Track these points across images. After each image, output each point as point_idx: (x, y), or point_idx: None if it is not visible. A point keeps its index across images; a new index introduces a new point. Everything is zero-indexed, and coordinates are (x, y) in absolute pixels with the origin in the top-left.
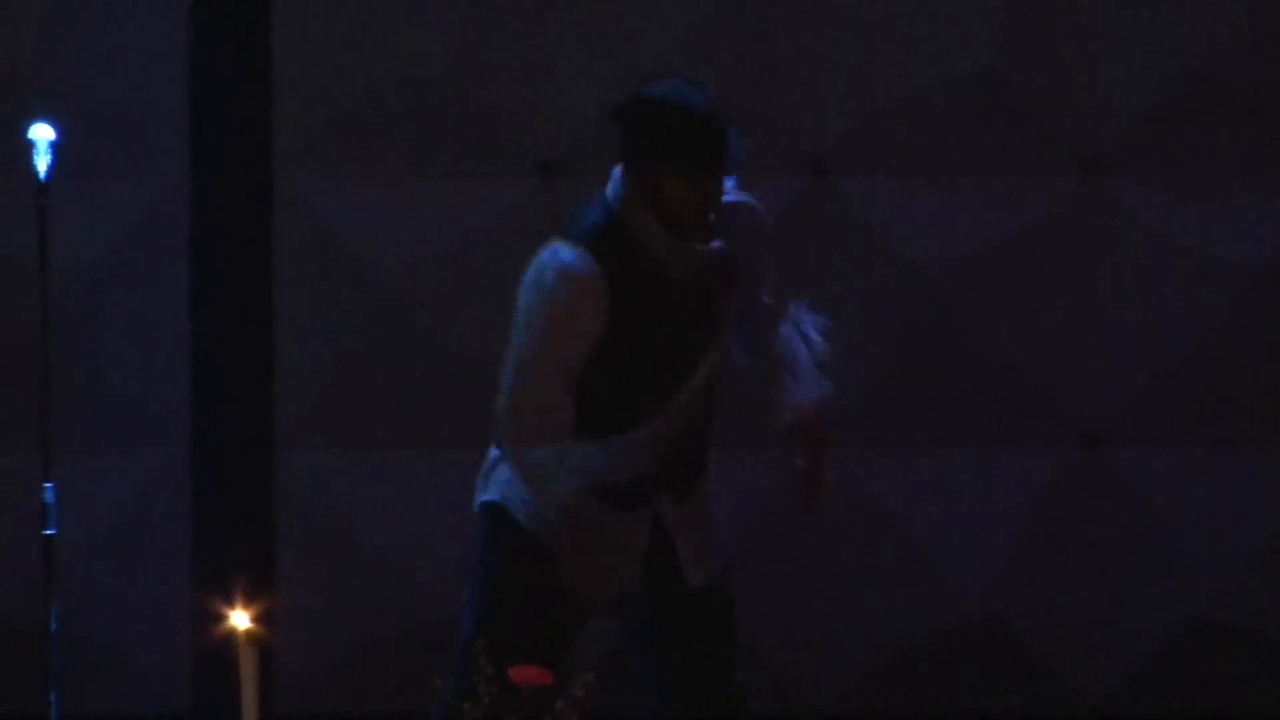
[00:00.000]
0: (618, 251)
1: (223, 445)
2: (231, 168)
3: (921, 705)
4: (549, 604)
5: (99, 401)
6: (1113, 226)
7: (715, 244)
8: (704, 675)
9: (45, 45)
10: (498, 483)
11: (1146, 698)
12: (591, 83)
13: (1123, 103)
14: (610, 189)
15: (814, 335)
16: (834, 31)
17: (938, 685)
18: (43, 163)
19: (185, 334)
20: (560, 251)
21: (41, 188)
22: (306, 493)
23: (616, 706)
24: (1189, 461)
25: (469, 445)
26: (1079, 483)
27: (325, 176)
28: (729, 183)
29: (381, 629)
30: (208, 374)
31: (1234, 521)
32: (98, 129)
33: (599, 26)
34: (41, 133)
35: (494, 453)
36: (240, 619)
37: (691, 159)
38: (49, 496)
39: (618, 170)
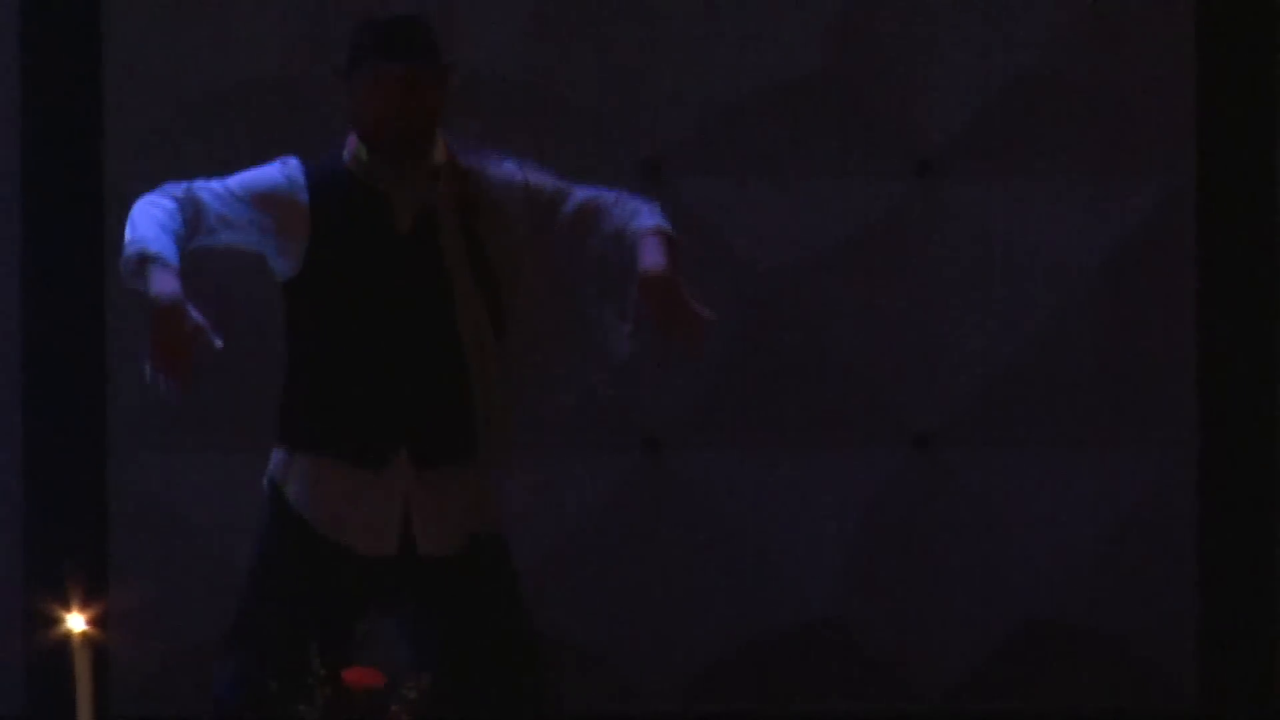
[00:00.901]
0: (335, 178)
1: (55, 447)
2: (62, 174)
3: (764, 706)
4: (310, 568)
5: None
6: (947, 228)
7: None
8: (455, 652)
9: None
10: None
11: (985, 696)
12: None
13: (957, 104)
14: None
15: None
16: (668, 33)
17: (780, 686)
18: None
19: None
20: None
21: None
22: (143, 496)
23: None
24: (1023, 461)
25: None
26: (914, 483)
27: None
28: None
29: (218, 630)
30: (40, 375)
31: (1067, 521)
32: None
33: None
34: None
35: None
36: (75, 621)
37: (373, 49)
38: None
39: None
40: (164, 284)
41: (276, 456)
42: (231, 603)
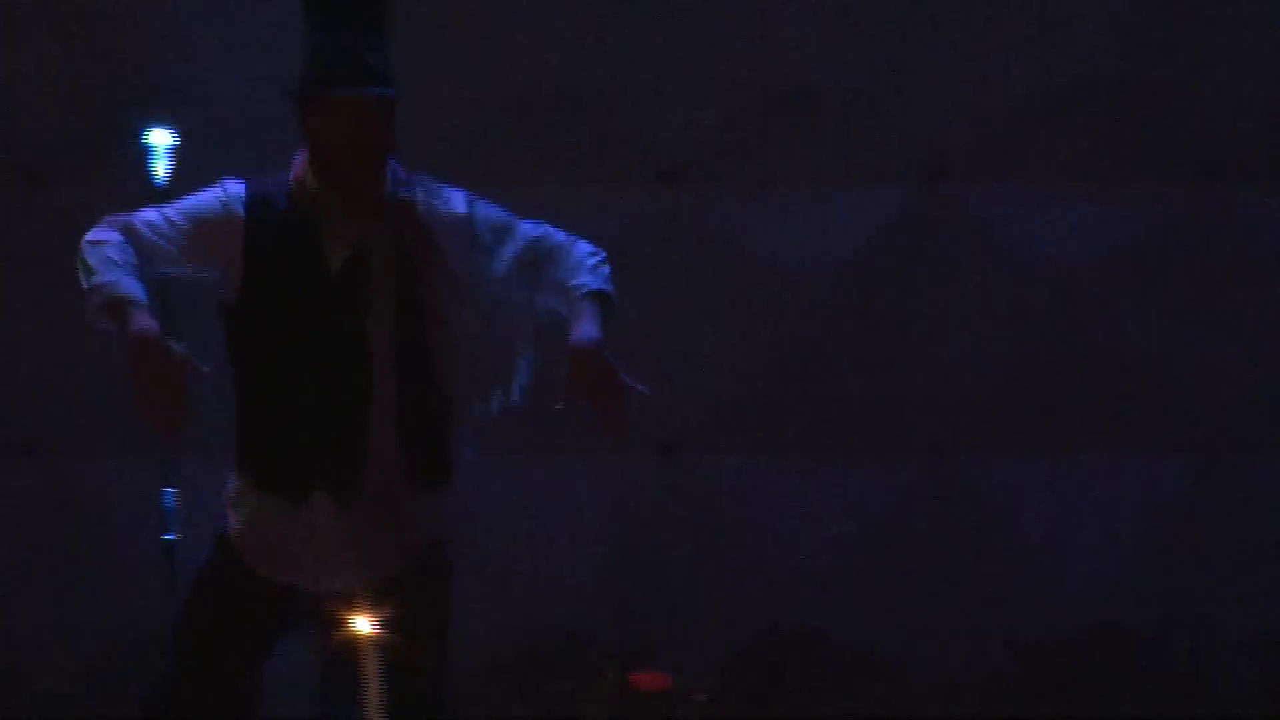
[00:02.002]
0: (274, 205)
1: None
2: None
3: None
4: (232, 586)
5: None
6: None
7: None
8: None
9: (164, 47)
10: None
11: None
12: (717, 89)
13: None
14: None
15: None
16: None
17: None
18: (160, 167)
19: None
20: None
21: (156, 193)
22: None
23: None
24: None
25: (588, 453)
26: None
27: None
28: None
29: (511, 634)
30: None
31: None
32: (215, 131)
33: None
34: (159, 138)
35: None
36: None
37: (326, 76)
38: (168, 502)
39: None
40: (136, 322)
41: (228, 481)
42: (535, 609)
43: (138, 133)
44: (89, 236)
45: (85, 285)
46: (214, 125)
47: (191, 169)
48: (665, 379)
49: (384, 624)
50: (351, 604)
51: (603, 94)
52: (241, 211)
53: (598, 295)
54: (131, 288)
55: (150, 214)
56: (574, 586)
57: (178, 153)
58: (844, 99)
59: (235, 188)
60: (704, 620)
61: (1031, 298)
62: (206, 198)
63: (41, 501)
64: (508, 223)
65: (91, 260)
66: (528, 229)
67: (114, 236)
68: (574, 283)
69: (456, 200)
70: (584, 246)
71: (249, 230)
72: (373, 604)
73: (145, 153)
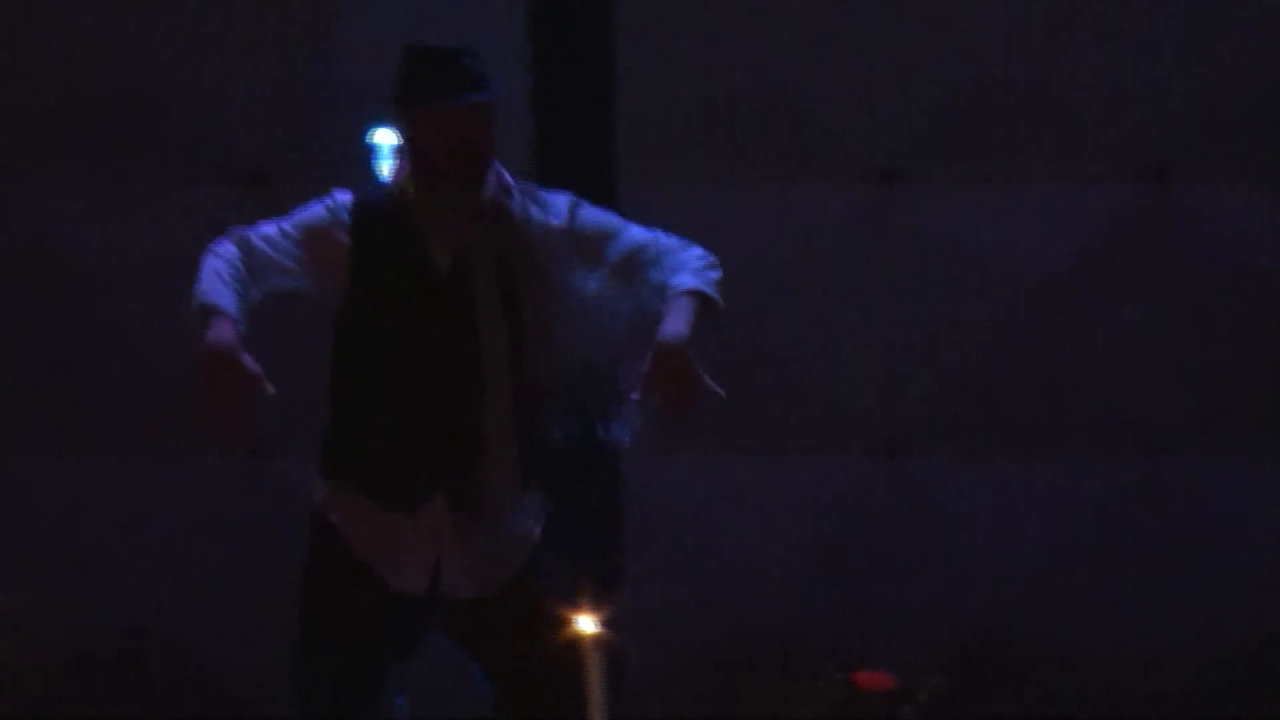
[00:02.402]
0: (379, 213)
1: (568, 453)
2: (573, 172)
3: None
4: (348, 586)
5: None
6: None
7: (486, 199)
8: (500, 689)
9: (384, 50)
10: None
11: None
12: (930, 86)
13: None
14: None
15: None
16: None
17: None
18: (384, 167)
19: None
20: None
21: None
22: (651, 498)
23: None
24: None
25: (804, 451)
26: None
27: (665, 181)
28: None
29: (729, 633)
30: None
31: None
32: None
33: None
34: (383, 138)
35: None
36: (586, 624)
37: (434, 84)
38: None
39: None
40: (216, 331)
41: (319, 487)
42: (757, 608)
43: (362, 132)
44: (211, 247)
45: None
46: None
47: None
48: (887, 381)
49: (510, 626)
50: (475, 608)
51: (815, 94)
52: (347, 219)
53: (695, 293)
54: (221, 297)
55: (267, 227)
56: (794, 586)
57: (401, 152)
58: (1060, 98)
59: (342, 197)
60: (924, 620)
61: (1248, 299)
62: (315, 208)
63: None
64: (612, 229)
65: (202, 270)
66: (635, 235)
67: (229, 250)
68: (673, 280)
69: (558, 206)
70: (695, 251)
71: (355, 237)
72: (494, 607)
73: (369, 152)
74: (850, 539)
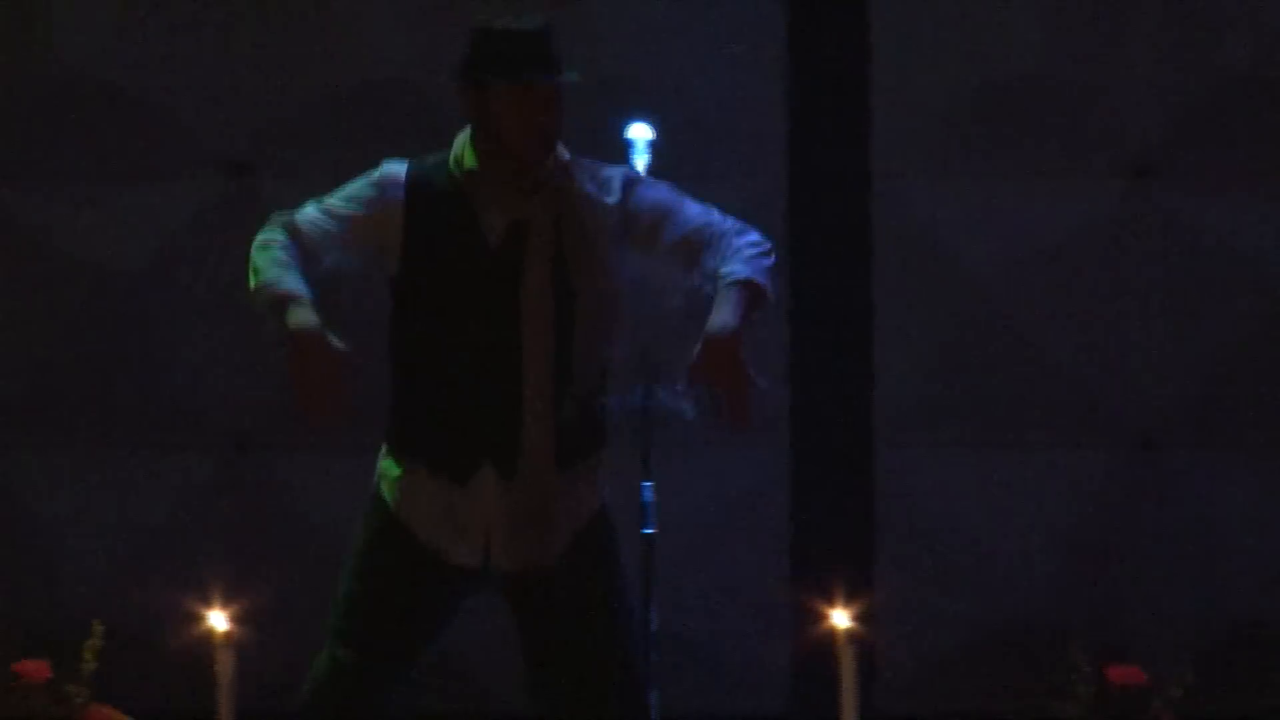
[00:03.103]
0: (435, 184)
1: (822, 443)
2: (829, 166)
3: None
4: (405, 569)
5: (698, 400)
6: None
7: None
8: (539, 667)
9: (642, 45)
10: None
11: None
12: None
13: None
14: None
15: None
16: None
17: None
18: (640, 162)
19: (783, 331)
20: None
21: None
22: (904, 491)
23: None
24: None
25: (1058, 444)
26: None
27: (922, 175)
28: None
29: (981, 628)
30: (807, 372)
31: None
32: (695, 128)
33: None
34: (639, 132)
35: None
36: (839, 618)
37: (510, 62)
38: (647, 495)
39: None
40: (300, 317)
41: (382, 458)
42: (992, 599)
43: (616, 126)
44: (258, 238)
45: (252, 286)
46: (690, 121)
47: (669, 164)
48: (1144, 374)
49: (559, 603)
50: (526, 581)
51: (1070, 87)
52: (401, 194)
53: (746, 283)
54: (294, 284)
55: (310, 210)
56: (1047, 580)
57: (655, 148)
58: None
59: (395, 168)
60: (1178, 615)
61: None
62: (364, 182)
63: None
64: (670, 207)
65: (260, 262)
66: (692, 214)
67: (279, 237)
68: (725, 269)
69: (615, 182)
70: (750, 236)
71: (409, 208)
72: (546, 582)
73: (626, 147)
74: (1104, 532)
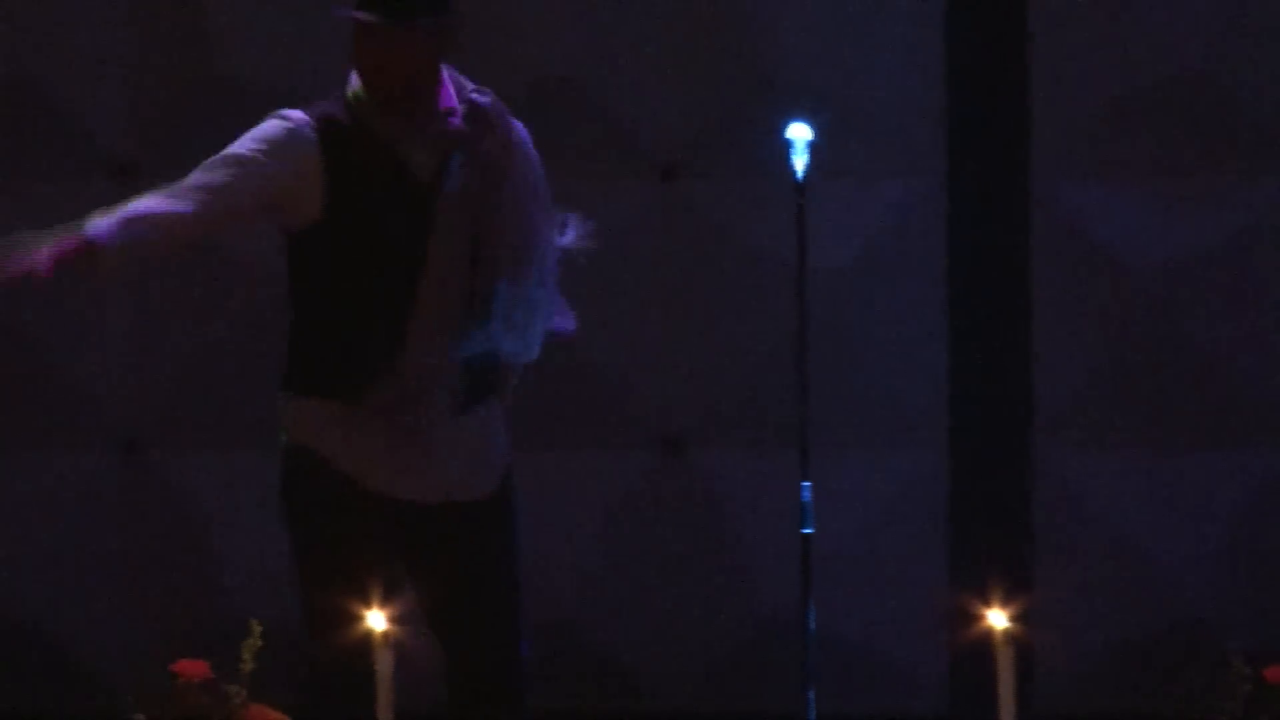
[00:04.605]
0: (342, 126)
1: (979, 443)
2: (988, 166)
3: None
4: (352, 520)
5: (855, 400)
6: None
7: (454, 127)
8: (439, 609)
9: (801, 46)
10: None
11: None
12: None
13: None
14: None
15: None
16: None
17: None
18: (800, 162)
19: (942, 331)
20: (282, 110)
21: (798, 187)
22: (1064, 491)
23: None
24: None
25: (1220, 445)
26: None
27: (1081, 175)
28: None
29: (1139, 628)
30: (964, 372)
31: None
32: (854, 128)
33: None
34: (798, 132)
35: None
36: (997, 618)
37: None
38: (806, 495)
39: None
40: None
41: (292, 410)
42: (1151, 600)
43: (776, 128)
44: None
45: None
46: (849, 123)
47: (827, 166)
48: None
49: (470, 549)
50: (446, 516)
51: (1239, 84)
52: (314, 134)
53: None
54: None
55: (201, 174)
56: (1207, 580)
57: (814, 148)
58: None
59: (296, 113)
60: None
61: None
62: (268, 126)
63: (678, 495)
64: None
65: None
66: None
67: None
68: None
69: (523, 132)
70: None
71: (325, 154)
72: (468, 520)
73: (785, 147)
74: (1263, 533)
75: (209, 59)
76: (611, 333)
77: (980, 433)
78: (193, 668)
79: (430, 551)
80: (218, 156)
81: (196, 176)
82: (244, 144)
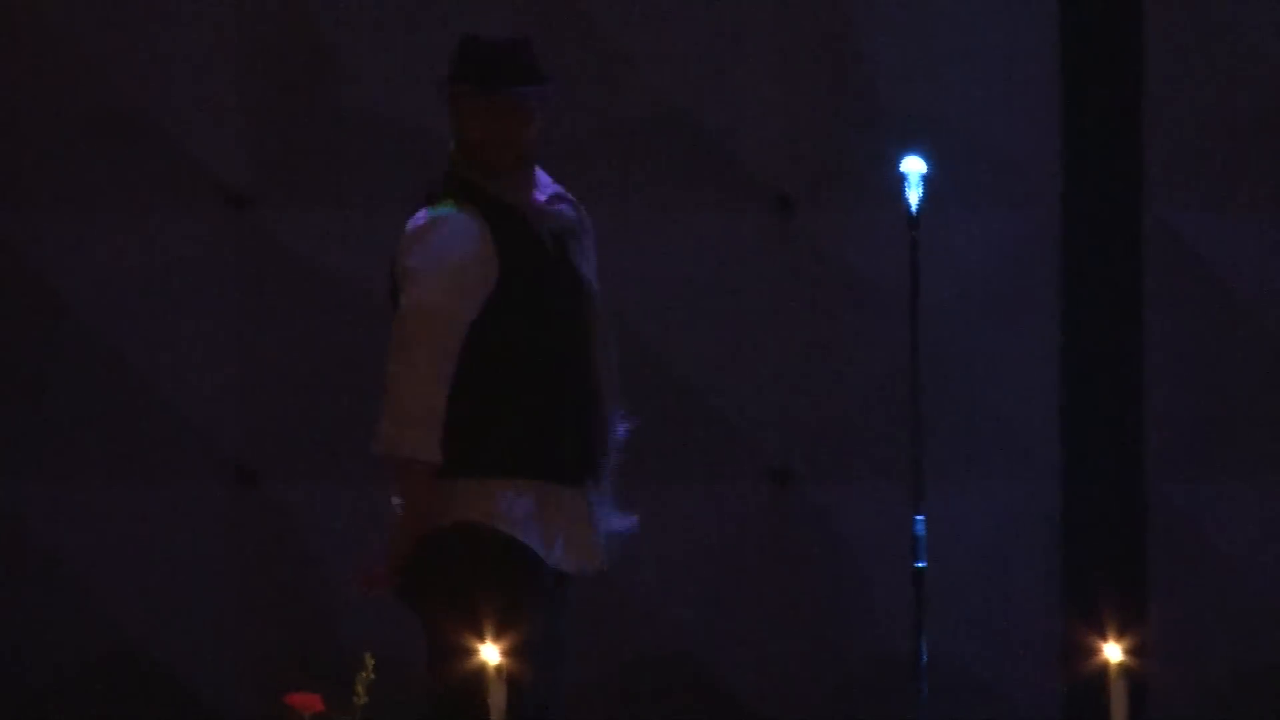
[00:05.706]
0: (482, 206)
1: (1093, 476)
2: (1102, 197)
3: None
4: (536, 597)
5: (968, 432)
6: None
7: (565, 208)
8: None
9: (916, 79)
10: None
11: None
12: None
13: None
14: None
15: None
16: None
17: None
18: (914, 195)
19: (1055, 363)
20: (436, 213)
21: (912, 220)
22: (1177, 522)
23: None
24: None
25: None
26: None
27: (1194, 206)
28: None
29: (1254, 661)
30: (1079, 404)
31: None
32: (968, 160)
33: None
34: (913, 166)
35: None
36: (1112, 651)
37: (478, 69)
38: (919, 529)
39: None
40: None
41: (470, 491)
42: (1269, 631)
43: (890, 160)
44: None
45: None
46: (964, 156)
47: (940, 199)
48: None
49: (571, 616)
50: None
51: None
52: (490, 233)
53: None
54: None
55: (436, 338)
56: None
57: (928, 180)
58: None
59: (462, 215)
60: None
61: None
62: (462, 242)
63: (791, 528)
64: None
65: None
66: None
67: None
68: None
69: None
70: None
71: (498, 241)
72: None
73: (900, 180)
74: None
75: (325, 91)
76: (725, 365)
77: (1093, 465)
78: (305, 700)
79: (550, 617)
80: (428, 302)
81: (429, 345)
82: (446, 278)
